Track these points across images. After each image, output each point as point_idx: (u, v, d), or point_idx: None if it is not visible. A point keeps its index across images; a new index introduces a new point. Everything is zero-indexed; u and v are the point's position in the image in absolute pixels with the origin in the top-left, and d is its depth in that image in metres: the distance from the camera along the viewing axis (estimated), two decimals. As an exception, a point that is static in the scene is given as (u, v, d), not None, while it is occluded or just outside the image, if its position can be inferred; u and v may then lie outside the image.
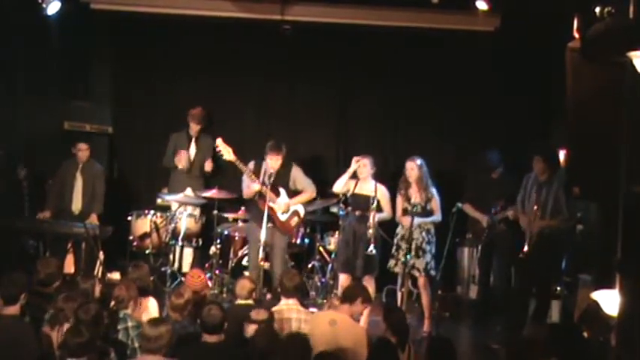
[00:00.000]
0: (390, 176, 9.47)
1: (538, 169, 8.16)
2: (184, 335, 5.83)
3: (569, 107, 5.15)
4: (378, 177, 8.53)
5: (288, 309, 6.46)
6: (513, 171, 8.89)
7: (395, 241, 8.43)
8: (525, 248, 8.01)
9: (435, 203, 8.37)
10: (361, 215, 8.28)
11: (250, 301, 6.59)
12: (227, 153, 8.38)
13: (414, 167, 8.36)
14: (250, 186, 8.38)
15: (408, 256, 8.10)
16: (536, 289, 8.27)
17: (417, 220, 8.20)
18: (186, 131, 9.90)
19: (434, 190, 8.39)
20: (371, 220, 8.07)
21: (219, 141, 8.45)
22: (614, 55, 4.63)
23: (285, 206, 8.52)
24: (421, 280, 8.33)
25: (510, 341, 5.31)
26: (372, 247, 8.00)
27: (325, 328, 5.94)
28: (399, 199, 8.44)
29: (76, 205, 9.22)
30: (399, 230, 8.42)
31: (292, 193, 8.57)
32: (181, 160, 9.74)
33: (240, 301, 6.61)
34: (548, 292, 8.30)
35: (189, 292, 6.34)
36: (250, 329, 5.85)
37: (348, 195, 8.47)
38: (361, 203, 8.31)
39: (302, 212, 8.66)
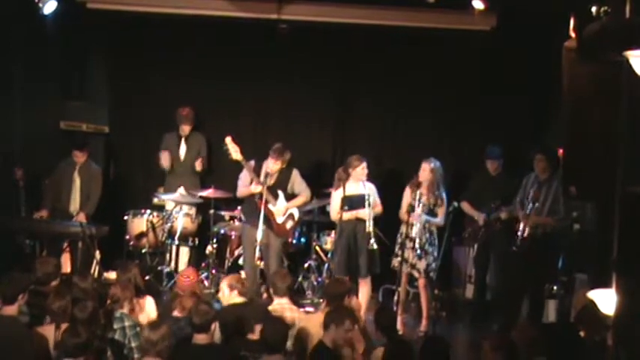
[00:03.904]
0: (388, 175, 9.47)
1: (540, 167, 8.19)
2: (182, 337, 5.82)
3: (566, 106, 5.16)
4: (376, 176, 8.51)
5: (282, 308, 6.48)
6: (512, 171, 8.89)
7: (398, 239, 8.38)
8: (518, 235, 8.03)
9: (442, 208, 8.30)
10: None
11: (244, 299, 6.59)
12: (234, 152, 8.36)
13: (426, 169, 8.28)
14: (251, 187, 8.38)
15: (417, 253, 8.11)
16: (530, 288, 8.28)
17: (423, 218, 8.17)
18: (177, 131, 9.90)
19: (444, 195, 8.32)
20: (368, 218, 8.07)
21: (228, 140, 8.41)
22: (610, 54, 4.64)
23: (284, 209, 8.52)
24: (421, 281, 8.29)
25: (497, 340, 5.25)
26: (372, 240, 8.01)
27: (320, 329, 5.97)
28: (408, 196, 8.32)
29: (74, 205, 9.19)
30: (403, 229, 8.33)
31: (289, 197, 8.57)
32: (165, 160, 9.76)
33: (235, 300, 6.60)
34: (542, 291, 8.30)
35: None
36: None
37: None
38: (357, 203, 8.28)
39: (297, 215, 8.64)
